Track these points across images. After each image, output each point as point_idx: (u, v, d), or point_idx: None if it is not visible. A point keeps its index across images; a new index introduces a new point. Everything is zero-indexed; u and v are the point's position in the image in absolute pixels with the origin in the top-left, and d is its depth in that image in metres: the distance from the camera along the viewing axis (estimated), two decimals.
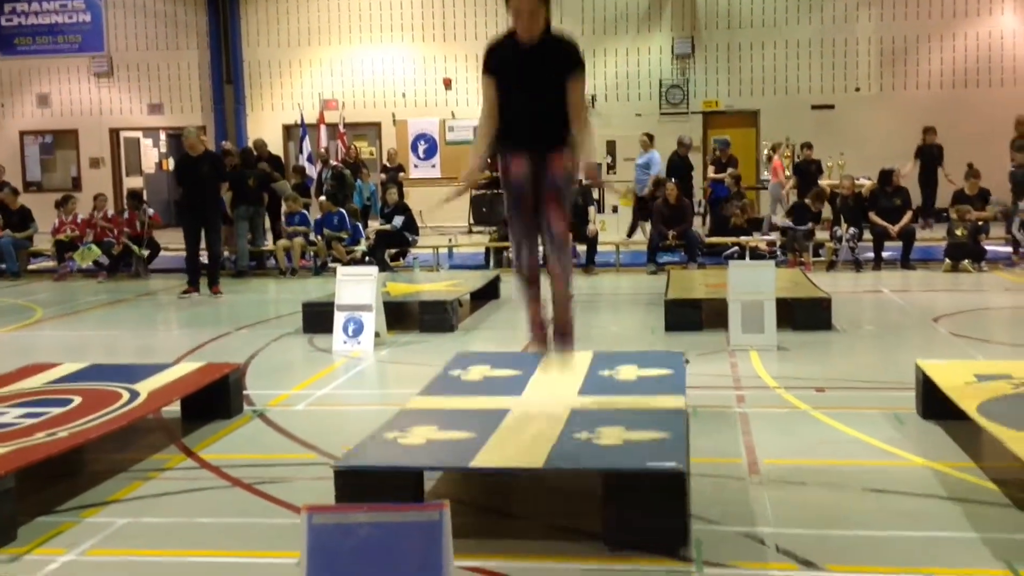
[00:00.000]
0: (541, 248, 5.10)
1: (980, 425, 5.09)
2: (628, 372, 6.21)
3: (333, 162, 18.46)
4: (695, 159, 19.87)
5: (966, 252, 13.72)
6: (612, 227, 16.71)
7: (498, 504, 4.90)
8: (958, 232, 13.84)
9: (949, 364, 6.67)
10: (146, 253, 15.69)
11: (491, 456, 4.60)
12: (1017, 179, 16.28)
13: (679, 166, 16.98)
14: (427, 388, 6.10)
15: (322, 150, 19.52)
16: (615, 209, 18.14)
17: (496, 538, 4.41)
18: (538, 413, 5.27)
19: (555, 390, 5.77)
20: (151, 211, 16.31)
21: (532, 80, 4.85)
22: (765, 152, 18.51)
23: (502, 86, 4.91)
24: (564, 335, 5.16)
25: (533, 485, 5.01)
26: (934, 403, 6.05)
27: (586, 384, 5.94)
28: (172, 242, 17.05)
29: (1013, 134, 16.72)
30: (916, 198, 16.26)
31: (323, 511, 2.96)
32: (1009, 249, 15.68)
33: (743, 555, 4.20)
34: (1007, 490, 4.85)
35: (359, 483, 4.49)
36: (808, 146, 17.33)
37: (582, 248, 14.87)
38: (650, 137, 17.33)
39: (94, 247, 15.40)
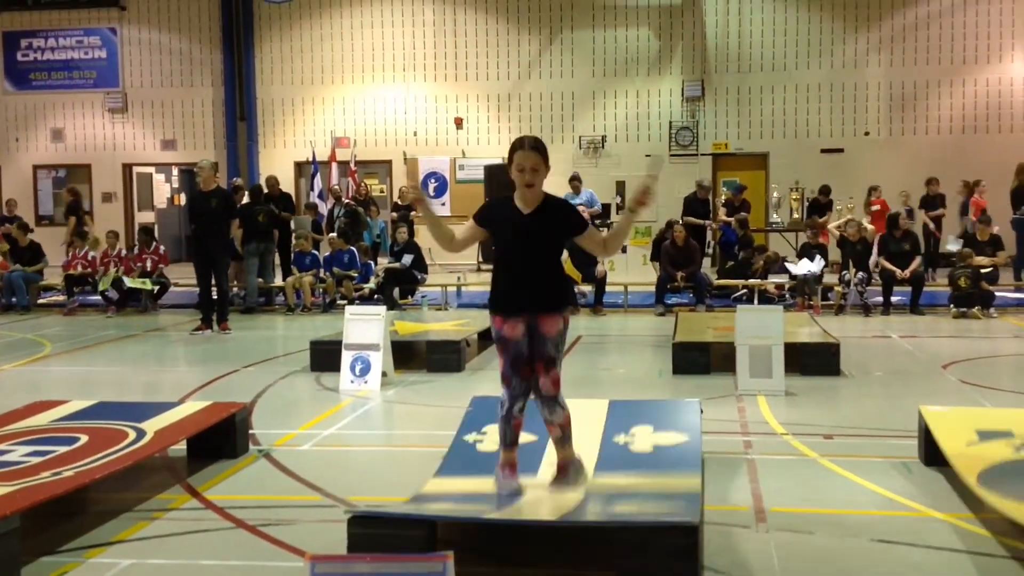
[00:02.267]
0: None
1: (983, 499, 5.00)
2: (644, 438, 6.03)
3: (345, 200, 18.55)
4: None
5: (972, 299, 13.69)
6: (620, 267, 16.75)
7: (510, 554, 4.86)
8: (960, 283, 13.80)
9: (951, 412, 6.62)
10: (155, 289, 15.76)
11: (505, 514, 4.59)
12: (1020, 227, 16.34)
13: (696, 208, 17.05)
14: (443, 465, 5.77)
15: (335, 186, 19.62)
16: (624, 249, 18.17)
17: None
18: (555, 495, 5.14)
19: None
20: (161, 248, 16.45)
21: (529, 244, 5.02)
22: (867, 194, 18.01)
23: (498, 247, 5.10)
24: (565, 474, 5.19)
25: (542, 537, 4.98)
26: (937, 451, 6.00)
27: (602, 457, 5.77)
28: (182, 277, 17.13)
29: (1015, 182, 16.75)
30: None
31: (326, 560, 2.95)
32: (1020, 295, 15.67)
33: None
34: (1007, 541, 4.81)
35: (373, 531, 4.49)
36: (825, 192, 17.46)
37: (590, 288, 14.89)
38: (578, 178, 17.32)
39: (112, 272, 15.53)
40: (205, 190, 12.89)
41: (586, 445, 5.86)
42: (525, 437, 5.51)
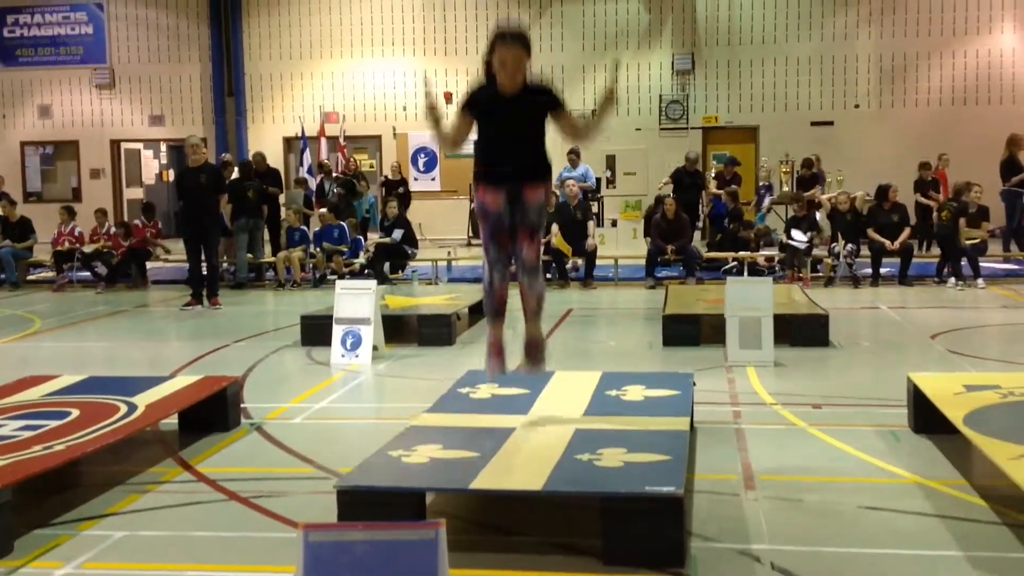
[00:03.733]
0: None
1: (966, 436, 5.12)
2: (635, 393, 6.20)
3: (335, 173, 18.49)
4: None
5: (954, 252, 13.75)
6: (611, 241, 16.76)
7: (498, 521, 4.90)
8: (943, 216, 13.92)
9: (939, 376, 6.73)
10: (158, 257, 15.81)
11: (492, 478, 4.63)
12: (1009, 199, 16.40)
13: (686, 181, 17.05)
14: (435, 405, 6.12)
15: (325, 161, 19.52)
16: (614, 223, 18.18)
17: (494, 556, 4.41)
18: (542, 433, 5.30)
19: (561, 410, 5.80)
20: (159, 224, 16.54)
21: (512, 123, 5.09)
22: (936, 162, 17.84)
23: (482, 128, 5.15)
24: (535, 351, 5.35)
25: (533, 503, 5.02)
26: (925, 417, 6.10)
27: (592, 404, 5.96)
28: (172, 253, 17.10)
29: (1005, 153, 16.78)
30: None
31: (320, 529, 2.97)
32: (1008, 266, 15.76)
33: (738, 572, 4.21)
34: (999, 508, 4.86)
35: (362, 502, 4.52)
36: (809, 163, 17.43)
37: (580, 262, 14.91)
38: (576, 153, 17.35)
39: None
40: (194, 166, 12.86)
41: (578, 396, 5.99)
42: (517, 390, 5.61)
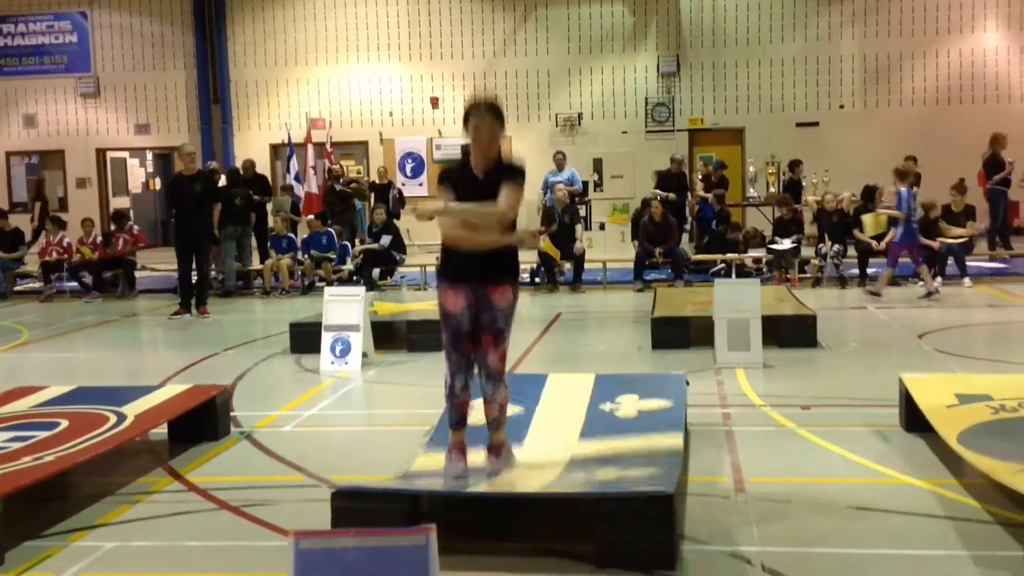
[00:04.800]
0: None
1: (963, 457, 5.11)
2: (629, 405, 6.14)
3: (330, 180, 18.51)
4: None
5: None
6: (599, 244, 16.80)
7: (490, 527, 4.91)
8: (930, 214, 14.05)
9: (931, 379, 6.75)
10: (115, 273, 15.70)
11: (488, 487, 4.67)
12: (994, 197, 16.48)
13: (672, 182, 17.07)
14: (432, 441, 5.77)
15: (335, 166, 19.37)
16: (602, 227, 18.22)
17: (486, 560, 4.42)
18: (538, 463, 5.22)
19: (556, 434, 5.73)
20: (136, 228, 16.42)
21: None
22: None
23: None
24: (497, 455, 5.09)
25: (527, 509, 5.03)
26: (917, 417, 6.12)
27: (587, 424, 5.87)
28: (160, 262, 17.07)
29: (988, 152, 16.86)
30: None
31: (310, 536, 2.98)
32: (994, 264, 15.84)
33: (730, 574, 4.22)
34: (989, 506, 4.89)
35: (356, 506, 4.54)
36: (797, 164, 17.49)
37: (569, 266, 14.93)
38: (563, 155, 17.49)
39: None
40: (187, 174, 12.75)
41: (572, 412, 5.95)
42: (512, 409, 5.56)
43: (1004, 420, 5.68)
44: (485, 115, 4.93)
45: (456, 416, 5.00)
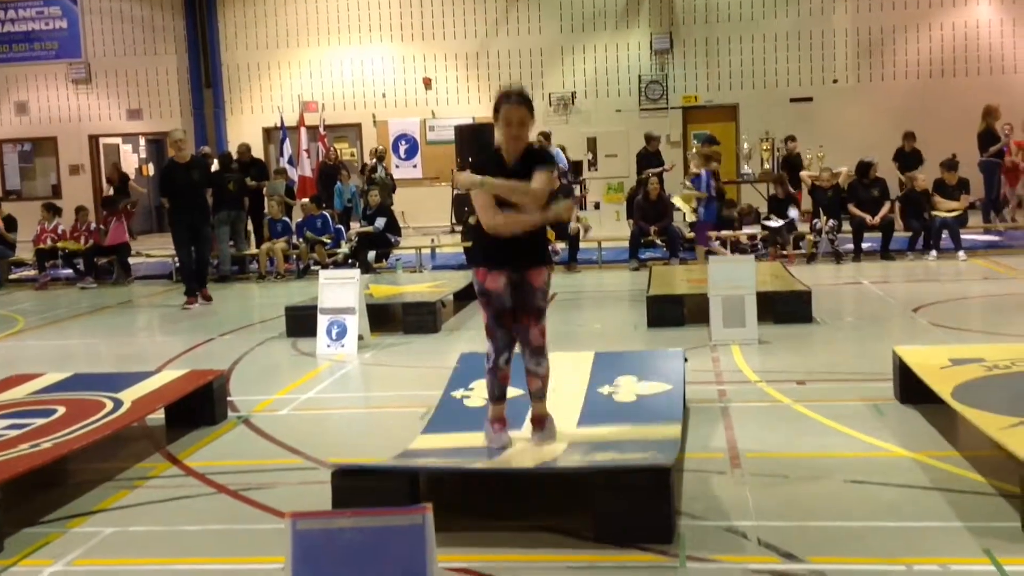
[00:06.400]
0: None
1: (955, 409, 5.18)
2: (627, 389, 6.13)
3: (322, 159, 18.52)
4: (676, 155, 20.00)
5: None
6: (595, 224, 16.78)
7: (488, 506, 4.93)
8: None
9: (925, 349, 6.79)
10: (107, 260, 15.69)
11: (485, 464, 4.70)
12: (987, 170, 16.50)
13: (649, 162, 17.01)
14: (431, 422, 5.84)
15: (372, 161, 19.13)
16: (597, 206, 18.23)
17: (485, 538, 4.44)
18: (536, 448, 5.21)
19: (556, 419, 5.69)
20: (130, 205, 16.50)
21: None
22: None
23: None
24: (542, 428, 5.26)
25: (524, 486, 5.05)
26: (912, 388, 6.17)
27: (585, 410, 5.85)
28: (154, 248, 17.06)
29: (982, 124, 16.86)
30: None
31: (307, 517, 2.99)
32: (988, 237, 15.86)
33: (726, 549, 4.24)
34: (984, 477, 4.92)
35: (356, 485, 4.56)
36: (792, 139, 17.47)
37: (563, 246, 14.92)
38: (547, 136, 17.26)
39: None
40: (181, 161, 12.44)
41: (571, 395, 5.96)
42: (512, 392, 5.59)
43: (997, 376, 5.76)
44: (516, 105, 5.00)
45: (498, 390, 5.19)
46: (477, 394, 6.07)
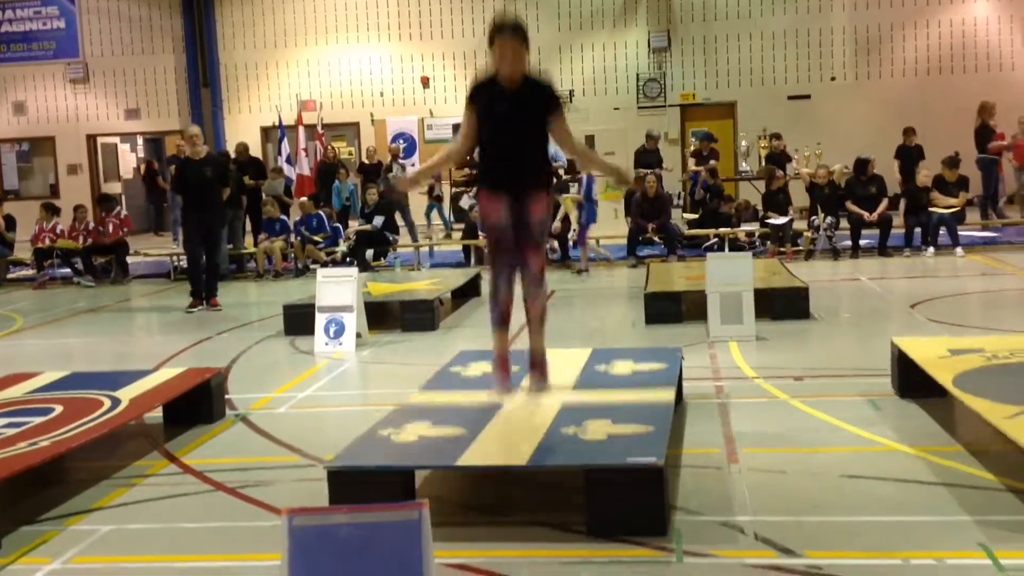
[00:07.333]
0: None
1: (956, 397, 5.19)
2: (623, 367, 6.29)
3: (320, 159, 18.50)
4: (674, 152, 19.99)
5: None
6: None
7: (483, 501, 4.94)
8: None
9: (923, 340, 6.82)
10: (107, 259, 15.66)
11: (478, 454, 4.70)
12: (985, 167, 16.51)
13: (648, 159, 17.01)
14: (427, 384, 6.27)
15: (393, 145, 19.12)
16: (595, 203, 18.17)
17: (481, 533, 4.45)
18: (530, 408, 5.37)
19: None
20: (124, 213, 16.42)
21: (514, 122, 5.09)
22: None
23: (484, 127, 5.15)
24: (540, 368, 5.41)
25: (519, 481, 5.06)
26: (910, 380, 6.21)
27: (581, 379, 6.06)
28: (153, 247, 17.06)
29: (978, 121, 16.86)
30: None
31: (303, 513, 3.00)
32: (986, 234, 15.86)
33: (722, 543, 4.25)
34: (982, 471, 4.92)
35: (351, 482, 4.58)
36: (777, 136, 17.47)
37: (556, 243, 14.90)
38: None
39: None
40: (195, 158, 11.99)
41: (567, 372, 6.07)
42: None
43: (998, 365, 5.80)
44: (510, 37, 5.00)
45: (499, 316, 5.35)
46: (473, 369, 6.39)
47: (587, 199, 14.00)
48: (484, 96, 5.12)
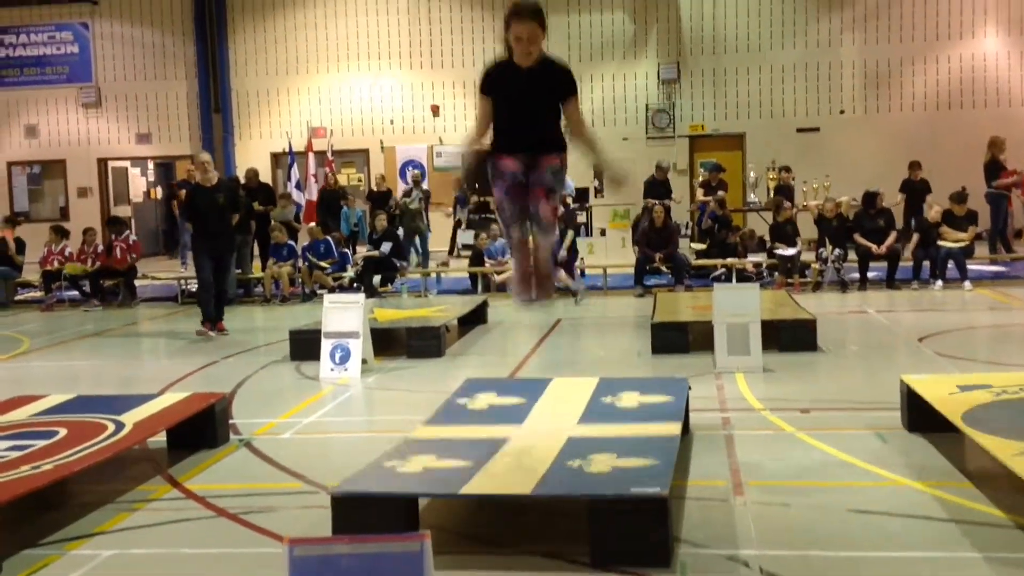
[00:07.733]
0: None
1: (966, 434, 5.16)
2: (630, 399, 6.26)
3: (324, 185, 18.56)
4: (682, 182, 20.01)
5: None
6: (600, 250, 16.80)
7: (485, 532, 4.91)
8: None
9: (932, 378, 6.79)
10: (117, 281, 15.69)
11: (482, 483, 4.68)
12: (993, 201, 16.49)
13: (657, 190, 17.02)
14: (433, 417, 6.17)
15: (422, 182, 19.27)
16: (603, 232, 18.21)
17: (484, 563, 4.42)
18: (536, 442, 5.33)
19: (556, 418, 5.86)
20: (133, 238, 16.46)
21: (529, 99, 5.04)
22: None
23: (498, 105, 5.09)
24: (544, 285, 5.35)
25: (522, 512, 5.03)
26: (919, 416, 6.17)
27: (587, 412, 6.01)
28: (161, 271, 17.09)
29: (987, 155, 16.85)
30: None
31: (305, 543, 2.97)
32: (995, 268, 15.82)
33: None
34: (990, 508, 4.88)
35: (355, 509, 4.55)
36: (787, 169, 17.50)
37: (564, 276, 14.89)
38: None
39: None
40: (206, 184, 11.96)
41: (573, 404, 6.03)
42: (514, 400, 5.65)
43: (1006, 401, 5.77)
44: (527, 20, 4.92)
45: (519, 244, 5.24)
46: (479, 401, 6.37)
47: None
48: (497, 78, 5.07)
